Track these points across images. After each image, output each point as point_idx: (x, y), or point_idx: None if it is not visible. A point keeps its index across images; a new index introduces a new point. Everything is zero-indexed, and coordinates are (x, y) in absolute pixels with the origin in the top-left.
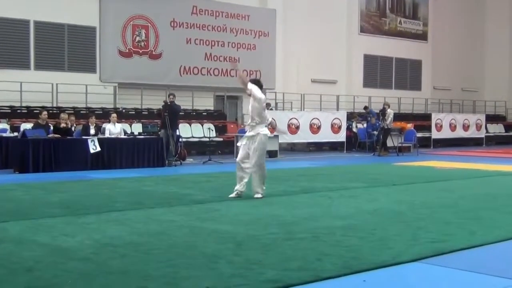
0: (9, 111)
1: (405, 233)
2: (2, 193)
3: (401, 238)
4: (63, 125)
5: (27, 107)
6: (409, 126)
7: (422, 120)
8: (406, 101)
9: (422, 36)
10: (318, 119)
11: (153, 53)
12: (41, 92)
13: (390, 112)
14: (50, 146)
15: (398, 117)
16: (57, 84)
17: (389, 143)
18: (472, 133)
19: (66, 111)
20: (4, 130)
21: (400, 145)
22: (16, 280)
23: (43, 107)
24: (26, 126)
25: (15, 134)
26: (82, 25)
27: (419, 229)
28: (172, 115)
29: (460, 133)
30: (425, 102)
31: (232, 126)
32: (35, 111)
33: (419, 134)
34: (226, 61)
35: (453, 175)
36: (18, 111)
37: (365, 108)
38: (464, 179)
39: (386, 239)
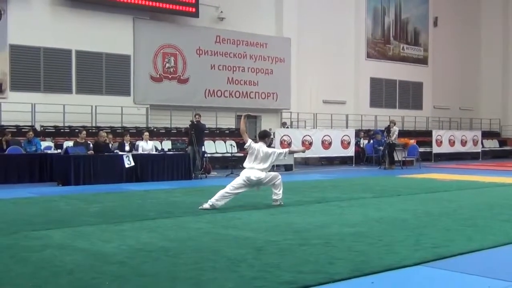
0: (54, 130)
1: (409, 239)
2: (47, 203)
3: (406, 243)
4: (102, 139)
5: (70, 127)
6: (412, 142)
7: (424, 137)
8: (409, 119)
9: (423, 61)
10: (329, 136)
11: (181, 77)
12: (82, 113)
13: (395, 129)
14: (90, 161)
15: (402, 133)
16: (96, 106)
17: (394, 157)
18: (469, 148)
19: (103, 130)
20: (49, 148)
21: (404, 159)
22: (59, 281)
23: (83, 127)
24: (69, 143)
25: (59, 151)
26: (118, 54)
27: (422, 235)
28: (198, 133)
29: (458, 148)
30: (426, 120)
31: None
32: (76, 130)
33: (421, 149)
34: (246, 84)
35: (452, 186)
36: (62, 130)
37: (368, 131)
38: (463, 190)
39: (392, 245)
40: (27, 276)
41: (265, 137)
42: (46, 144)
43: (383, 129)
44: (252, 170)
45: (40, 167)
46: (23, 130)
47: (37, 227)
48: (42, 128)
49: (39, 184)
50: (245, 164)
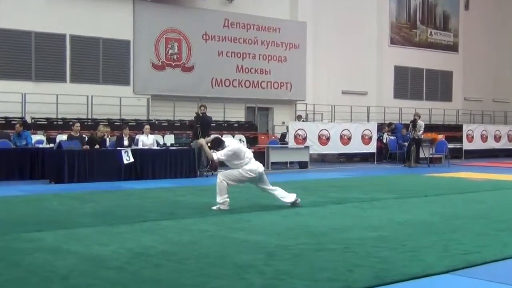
0: (46, 123)
1: (437, 244)
2: (38, 203)
3: (432, 249)
4: (100, 135)
5: (63, 119)
6: (440, 137)
7: (453, 131)
8: (437, 112)
9: (453, 47)
10: (348, 130)
11: (186, 65)
12: (77, 104)
13: (421, 123)
14: (85, 157)
15: (429, 128)
16: (92, 96)
17: (420, 154)
18: (503, 144)
19: (101, 123)
20: (41, 142)
21: (431, 156)
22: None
23: (79, 119)
24: (62, 137)
25: (51, 145)
26: (117, 39)
27: (451, 241)
28: (203, 126)
29: (491, 144)
30: (456, 113)
31: (263, 137)
32: (70, 122)
33: (450, 145)
34: (257, 73)
35: (484, 186)
36: (54, 123)
37: (389, 125)
38: (496, 190)
39: (417, 251)
40: (17, 281)
41: (219, 146)
42: (37, 138)
43: (409, 123)
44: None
45: (31, 163)
46: (12, 122)
47: (28, 229)
48: (33, 120)
49: (30, 182)
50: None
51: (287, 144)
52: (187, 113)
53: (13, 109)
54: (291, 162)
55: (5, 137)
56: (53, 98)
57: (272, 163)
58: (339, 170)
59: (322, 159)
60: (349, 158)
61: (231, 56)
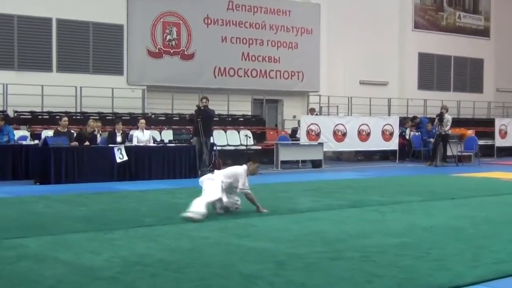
0: (30, 116)
1: (465, 252)
2: (22, 206)
3: (461, 258)
4: (90, 130)
5: (49, 113)
6: (470, 132)
7: (484, 126)
8: (466, 105)
9: (483, 32)
10: (367, 125)
11: (185, 53)
12: (64, 96)
13: (448, 117)
14: (74, 155)
15: (457, 122)
16: (81, 87)
17: (447, 151)
18: None
19: (91, 117)
20: (24, 138)
21: (459, 154)
22: None
23: (66, 113)
24: (48, 133)
25: (36, 142)
26: (108, 23)
27: (481, 248)
28: (205, 120)
29: None
30: (488, 105)
31: (271, 133)
32: (57, 116)
33: (481, 142)
34: (265, 61)
35: None
36: (39, 116)
37: (413, 119)
38: None
39: (444, 259)
40: None
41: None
42: (20, 134)
43: (435, 116)
44: None
45: (13, 162)
46: None
47: (10, 234)
48: (15, 114)
49: (12, 182)
50: None
51: (299, 140)
52: (187, 106)
53: None
54: (303, 161)
55: None
56: (38, 89)
57: (282, 161)
58: (356, 170)
59: (338, 157)
60: (368, 156)
61: (236, 42)
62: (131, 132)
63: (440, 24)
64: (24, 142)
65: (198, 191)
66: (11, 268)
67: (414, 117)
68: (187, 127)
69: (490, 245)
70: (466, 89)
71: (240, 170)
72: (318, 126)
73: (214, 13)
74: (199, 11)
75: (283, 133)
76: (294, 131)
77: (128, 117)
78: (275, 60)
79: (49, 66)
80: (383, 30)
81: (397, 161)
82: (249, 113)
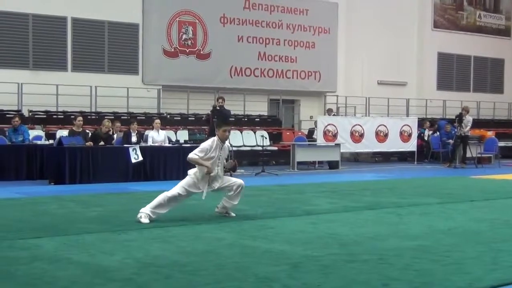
0: (44, 116)
1: (485, 256)
2: (36, 206)
3: (480, 261)
4: (105, 130)
5: (64, 112)
6: (490, 134)
7: (505, 127)
8: (486, 106)
9: (505, 32)
10: (385, 126)
11: (201, 52)
12: (79, 96)
13: (468, 118)
14: (88, 155)
15: (477, 123)
16: (96, 87)
17: (467, 153)
18: None
19: (106, 117)
20: (39, 138)
21: (479, 155)
22: None
23: (81, 112)
24: (63, 133)
25: (51, 141)
26: (124, 22)
27: (501, 252)
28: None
29: None
30: (508, 106)
31: (288, 133)
32: (72, 116)
33: (501, 143)
34: (282, 61)
35: None
36: (54, 116)
37: (432, 125)
38: None
39: (462, 263)
40: None
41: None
42: (35, 133)
43: (454, 118)
44: None
45: (28, 161)
46: (7, 115)
47: (25, 235)
48: (30, 114)
49: (27, 182)
50: None
51: (315, 141)
52: (202, 106)
53: (8, 101)
54: (320, 162)
55: (0, 133)
56: (52, 89)
57: (298, 162)
58: (374, 171)
59: (355, 159)
60: (386, 157)
61: (252, 41)
62: (146, 132)
63: (460, 24)
64: (38, 142)
65: (212, 193)
66: (25, 268)
67: (432, 124)
68: (203, 127)
69: (510, 249)
70: (486, 90)
71: (206, 141)
72: (335, 126)
73: (231, 12)
74: (215, 10)
75: (299, 133)
76: (311, 131)
77: (143, 117)
78: (292, 60)
79: (64, 65)
80: (401, 29)
81: (415, 162)
82: (265, 114)
